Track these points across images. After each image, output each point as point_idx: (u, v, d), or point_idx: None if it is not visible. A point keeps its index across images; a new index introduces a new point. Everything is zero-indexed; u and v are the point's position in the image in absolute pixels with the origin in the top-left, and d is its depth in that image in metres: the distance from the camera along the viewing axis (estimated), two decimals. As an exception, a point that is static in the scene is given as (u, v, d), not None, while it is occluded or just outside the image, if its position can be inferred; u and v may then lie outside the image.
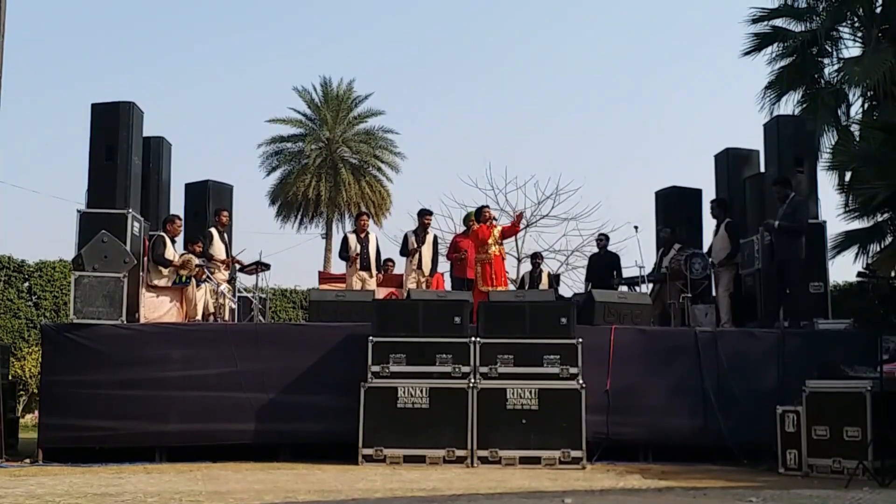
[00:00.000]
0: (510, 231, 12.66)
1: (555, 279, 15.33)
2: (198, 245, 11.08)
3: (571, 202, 26.05)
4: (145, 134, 10.89)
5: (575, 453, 8.81)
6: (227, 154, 47.38)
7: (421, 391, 8.97)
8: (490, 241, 11.81)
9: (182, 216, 11.57)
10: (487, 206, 12.50)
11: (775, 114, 14.96)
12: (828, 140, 15.00)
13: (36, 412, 13.49)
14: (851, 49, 15.43)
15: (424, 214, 12.52)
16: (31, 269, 18.63)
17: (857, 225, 13.96)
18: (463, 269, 12.03)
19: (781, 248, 10.32)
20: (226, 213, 11.99)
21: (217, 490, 6.99)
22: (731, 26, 50.15)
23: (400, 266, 13.31)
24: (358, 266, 12.06)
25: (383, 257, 13.06)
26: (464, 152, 43.04)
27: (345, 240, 12.45)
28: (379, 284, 12.31)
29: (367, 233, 12.38)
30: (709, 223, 12.11)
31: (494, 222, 12.15)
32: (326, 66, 63.92)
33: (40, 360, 10.57)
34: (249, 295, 12.08)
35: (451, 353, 9.06)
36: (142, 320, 10.10)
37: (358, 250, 12.09)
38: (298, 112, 35.49)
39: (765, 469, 8.81)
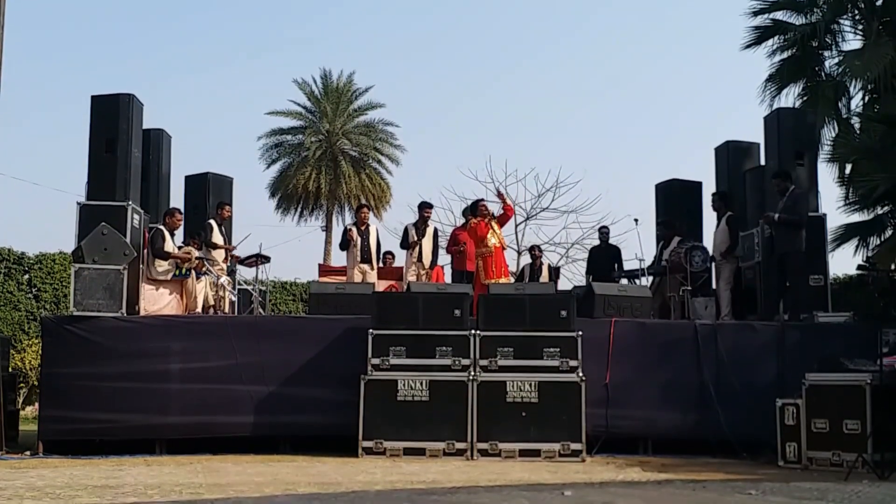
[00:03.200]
0: (505, 218, 12.52)
1: (555, 272, 15.31)
2: (195, 240, 11.07)
3: (571, 195, 25.89)
4: (145, 126, 10.84)
5: (574, 446, 8.82)
6: (227, 146, 47.40)
7: (421, 384, 8.97)
8: (489, 234, 11.75)
9: (182, 209, 11.55)
10: (483, 201, 12.32)
11: (776, 106, 14.91)
12: (828, 133, 14.96)
13: (36, 404, 13.51)
14: (852, 42, 15.39)
15: (424, 207, 12.49)
16: (31, 261, 18.63)
17: (857, 218, 13.96)
18: (463, 261, 12.01)
19: (781, 241, 10.31)
20: (228, 208, 11.98)
21: (217, 482, 7.00)
22: (731, 19, 50.11)
23: (400, 259, 13.30)
24: (359, 258, 12.05)
25: (383, 250, 13.05)
26: (464, 145, 43.11)
27: (346, 231, 12.44)
28: (379, 277, 12.30)
29: (368, 225, 12.37)
30: (709, 216, 12.12)
31: (493, 218, 11.99)
32: (326, 59, 63.85)
33: (40, 352, 10.58)
34: (249, 287, 12.08)
35: (451, 346, 9.06)
36: (142, 313, 10.09)
37: (359, 242, 12.07)
38: (298, 104, 35.51)
39: (764, 462, 8.83)
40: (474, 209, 12.13)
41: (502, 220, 12.28)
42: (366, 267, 12.06)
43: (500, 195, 12.81)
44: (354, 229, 12.24)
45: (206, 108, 51.24)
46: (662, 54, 48.40)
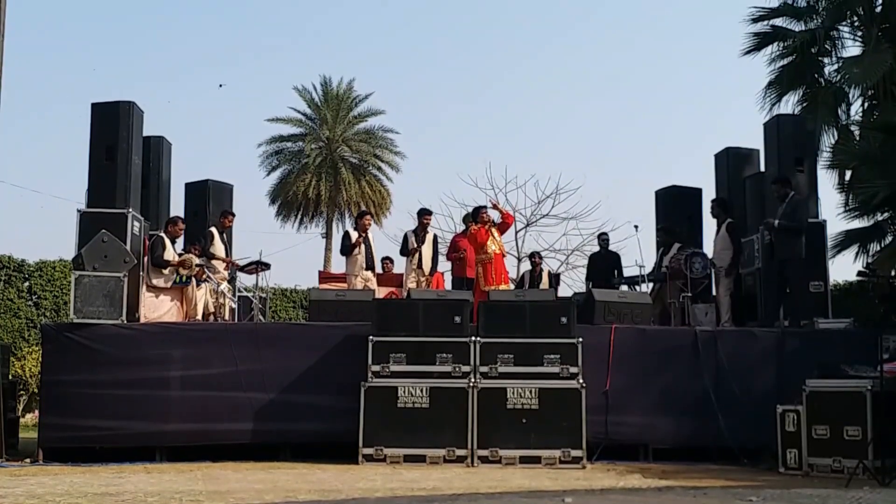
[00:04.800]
0: (505, 225, 12.47)
1: (555, 278, 15.31)
2: (195, 248, 11.07)
3: (571, 201, 25.99)
4: (145, 133, 10.88)
5: (575, 453, 8.81)
6: (227, 153, 47.41)
7: (421, 391, 8.97)
8: (489, 241, 11.74)
9: (183, 217, 11.54)
10: (485, 209, 12.29)
11: (775, 113, 14.93)
12: (828, 139, 14.98)
13: (36, 412, 13.50)
14: (851, 49, 15.41)
15: (424, 214, 12.50)
16: (32, 268, 18.64)
17: (857, 224, 13.94)
18: (463, 268, 12.01)
19: (781, 248, 10.31)
20: (232, 217, 11.95)
21: (217, 490, 6.99)
22: (731, 26, 50.13)
23: (399, 265, 13.29)
24: (363, 266, 12.00)
25: (381, 256, 13.03)
26: (464, 152, 43.08)
27: (346, 235, 12.41)
28: (379, 284, 12.29)
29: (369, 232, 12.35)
30: (709, 222, 12.13)
31: (493, 225, 11.94)
32: (326, 66, 63.99)
33: (40, 359, 10.58)
34: (249, 294, 12.07)
35: (452, 353, 9.06)
36: (142, 320, 10.10)
37: (362, 249, 12.02)
38: (298, 111, 35.53)
39: (765, 468, 8.83)
40: (475, 216, 12.11)
41: (502, 228, 12.26)
42: (369, 274, 12.02)
43: (494, 206, 12.77)
44: (357, 236, 12.21)
45: (206, 116, 51.31)
46: (662, 60, 48.48)
